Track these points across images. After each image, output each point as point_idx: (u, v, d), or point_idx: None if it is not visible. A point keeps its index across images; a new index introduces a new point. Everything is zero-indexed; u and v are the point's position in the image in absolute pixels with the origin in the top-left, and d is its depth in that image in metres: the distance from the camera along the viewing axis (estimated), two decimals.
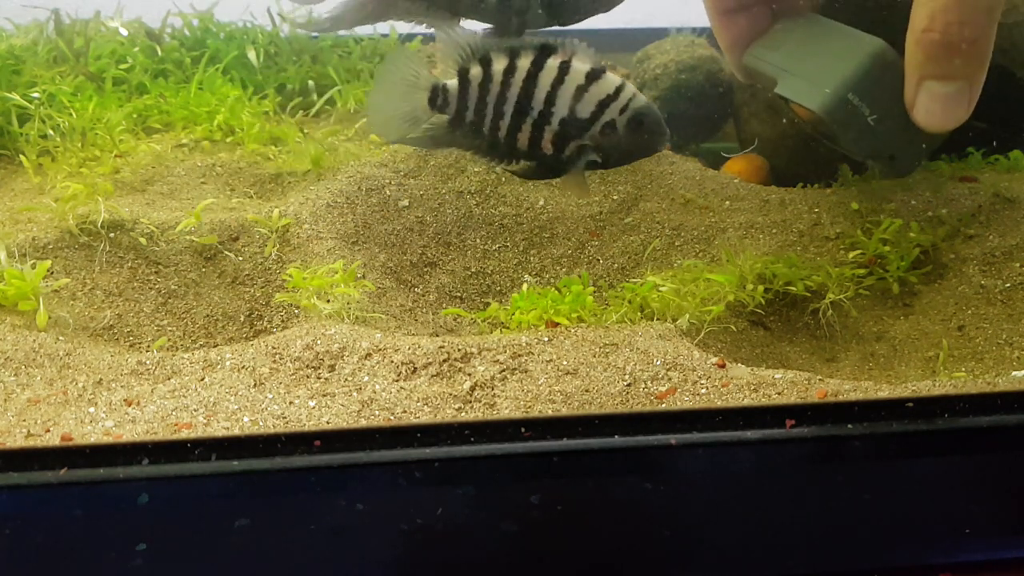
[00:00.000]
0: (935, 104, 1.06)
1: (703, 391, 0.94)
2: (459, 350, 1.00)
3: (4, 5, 1.69)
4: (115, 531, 0.75)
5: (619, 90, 1.07)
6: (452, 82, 1.07)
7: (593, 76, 1.07)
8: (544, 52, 1.07)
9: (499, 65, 1.06)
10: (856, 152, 1.30)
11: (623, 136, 1.08)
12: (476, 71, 1.06)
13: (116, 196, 1.32)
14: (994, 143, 1.46)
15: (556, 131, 1.07)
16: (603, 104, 1.07)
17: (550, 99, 1.06)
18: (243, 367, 0.98)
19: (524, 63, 1.06)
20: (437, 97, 1.07)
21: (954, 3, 1.03)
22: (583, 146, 1.08)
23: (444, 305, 1.25)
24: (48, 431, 0.88)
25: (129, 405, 0.92)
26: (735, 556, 0.82)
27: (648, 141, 1.09)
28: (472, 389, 0.95)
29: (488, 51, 1.07)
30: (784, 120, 1.51)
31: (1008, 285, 1.18)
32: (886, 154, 1.28)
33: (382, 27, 1.95)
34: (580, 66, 1.06)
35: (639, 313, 1.15)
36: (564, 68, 1.06)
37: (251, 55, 1.72)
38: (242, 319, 1.18)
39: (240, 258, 1.23)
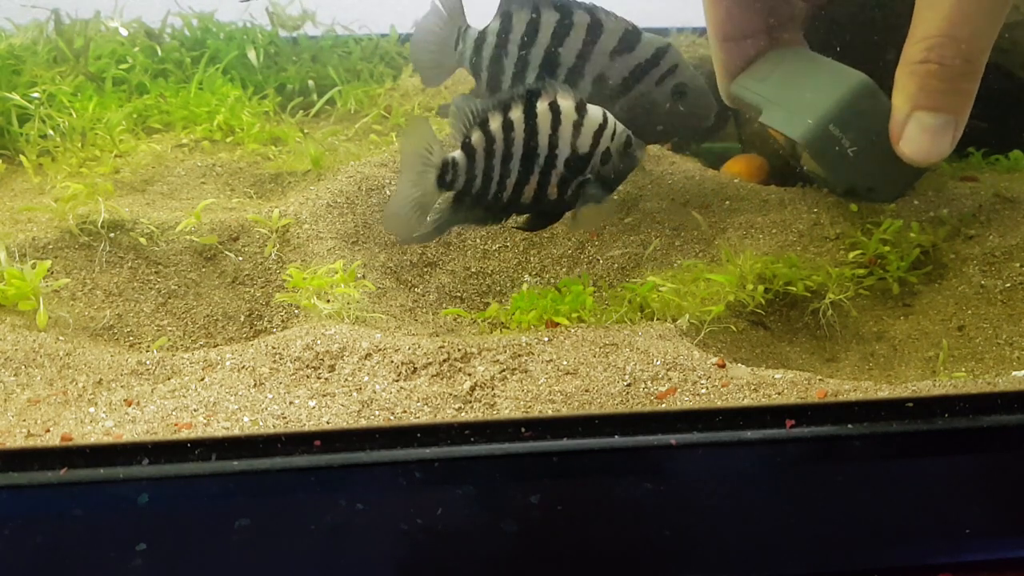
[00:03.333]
0: (924, 135, 1.09)
1: (703, 391, 0.94)
2: (459, 350, 1.00)
3: (4, 5, 1.69)
4: (115, 531, 0.75)
5: (606, 117, 1.07)
6: (459, 153, 1.05)
7: (581, 109, 1.07)
8: (532, 97, 1.05)
9: (495, 123, 1.05)
10: (835, 183, 1.32)
11: (617, 161, 1.09)
12: (477, 136, 1.04)
13: (116, 196, 1.32)
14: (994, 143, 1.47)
15: (562, 173, 1.07)
16: (597, 134, 1.07)
17: (552, 142, 1.06)
18: (243, 367, 0.98)
19: (517, 114, 1.05)
20: (447, 173, 1.04)
21: (952, 39, 1.06)
22: (584, 181, 1.08)
23: (444, 305, 1.25)
24: (48, 431, 0.88)
25: (129, 405, 0.92)
26: (735, 556, 0.82)
27: (634, 160, 1.11)
28: (472, 389, 0.95)
29: (484, 113, 1.05)
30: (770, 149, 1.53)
31: (1008, 285, 1.19)
32: (864, 186, 1.30)
33: (381, 26, 1.95)
34: (566, 103, 1.06)
35: (639, 313, 1.15)
36: (555, 108, 1.06)
37: (251, 55, 1.72)
38: (242, 319, 1.18)
39: (240, 258, 1.24)
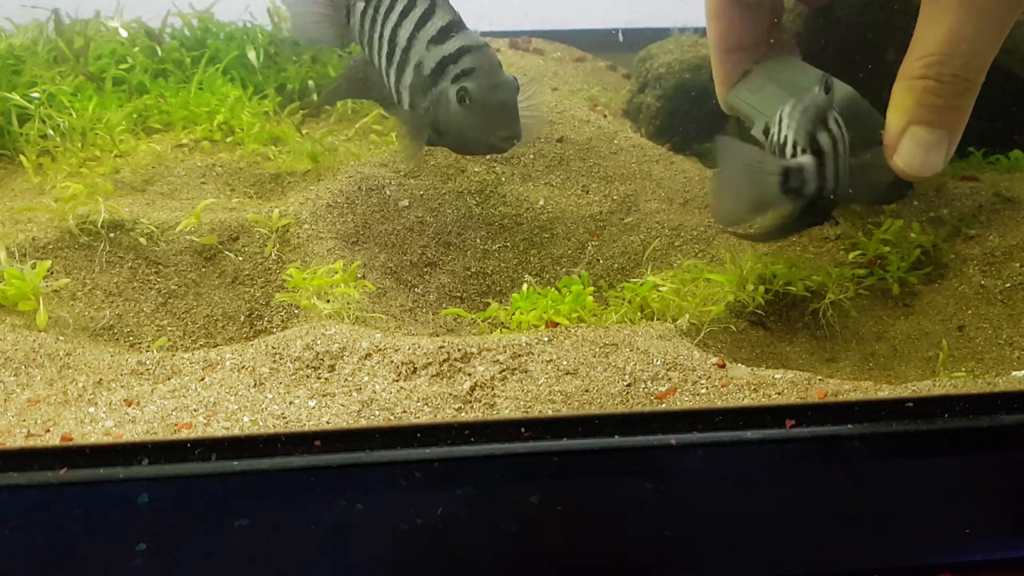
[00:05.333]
0: (918, 149, 1.09)
1: (703, 391, 0.94)
2: (459, 350, 1.00)
3: (4, 5, 1.69)
4: (115, 531, 0.75)
5: None
6: (807, 159, 1.03)
7: None
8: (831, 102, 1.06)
9: (831, 120, 1.04)
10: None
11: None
12: (825, 138, 1.03)
13: (116, 196, 1.32)
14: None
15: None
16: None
17: (846, 141, 1.06)
18: (243, 367, 0.98)
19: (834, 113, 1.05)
20: (790, 178, 1.03)
21: (952, 57, 1.07)
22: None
23: (444, 305, 1.25)
24: (48, 431, 0.88)
25: (129, 405, 0.92)
26: (735, 556, 0.82)
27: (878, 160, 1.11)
28: (472, 389, 0.95)
29: (824, 112, 1.03)
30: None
31: (1008, 285, 1.19)
32: (856, 194, 1.30)
33: None
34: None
35: (639, 313, 1.15)
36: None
37: (251, 55, 1.72)
38: (242, 319, 1.18)
39: (240, 258, 1.23)
